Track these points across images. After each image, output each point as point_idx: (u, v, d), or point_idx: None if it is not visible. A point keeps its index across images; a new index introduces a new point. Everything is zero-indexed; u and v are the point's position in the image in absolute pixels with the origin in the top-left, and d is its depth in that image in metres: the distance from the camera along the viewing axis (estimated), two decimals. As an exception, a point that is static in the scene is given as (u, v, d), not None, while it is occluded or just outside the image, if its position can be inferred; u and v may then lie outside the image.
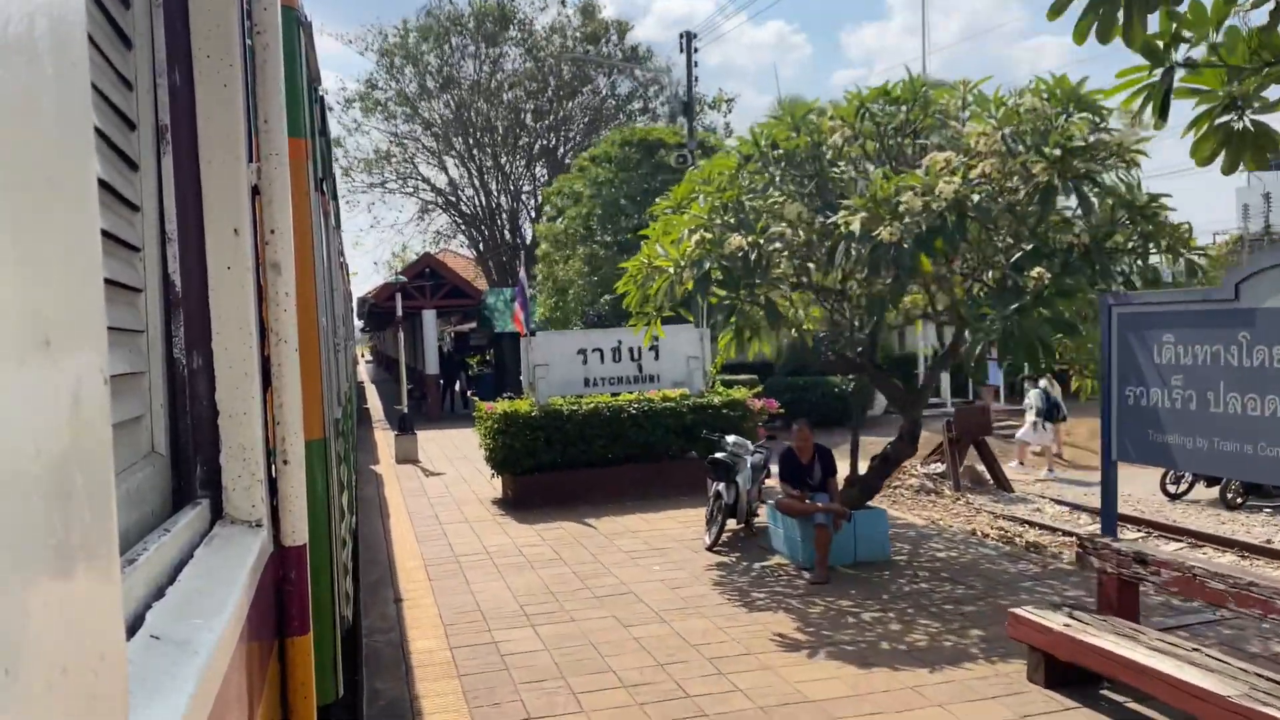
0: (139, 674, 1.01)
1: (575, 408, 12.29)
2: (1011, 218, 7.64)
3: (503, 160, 40.27)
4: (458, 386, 29.26)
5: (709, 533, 9.85)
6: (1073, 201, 7.40)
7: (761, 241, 7.68)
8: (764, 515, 10.37)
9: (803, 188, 8.40)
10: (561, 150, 40.08)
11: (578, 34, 39.74)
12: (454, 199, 42.22)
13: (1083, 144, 7.10)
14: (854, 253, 7.08)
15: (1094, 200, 7.27)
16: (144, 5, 1.72)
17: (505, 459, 12.22)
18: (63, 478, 0.62)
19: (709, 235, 7.79)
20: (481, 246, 42.47)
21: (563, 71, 38.72)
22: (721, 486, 9.90)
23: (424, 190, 42.45)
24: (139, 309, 1.64)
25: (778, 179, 8.52)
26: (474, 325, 31.76)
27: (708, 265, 7.63)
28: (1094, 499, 13.98)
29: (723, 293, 7.90)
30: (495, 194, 41.23)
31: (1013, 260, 7.43)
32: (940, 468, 15.68)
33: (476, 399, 30.02)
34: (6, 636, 0.53)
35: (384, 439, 21.20)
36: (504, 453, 12.17)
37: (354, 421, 13.84)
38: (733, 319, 8.58)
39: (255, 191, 1.98)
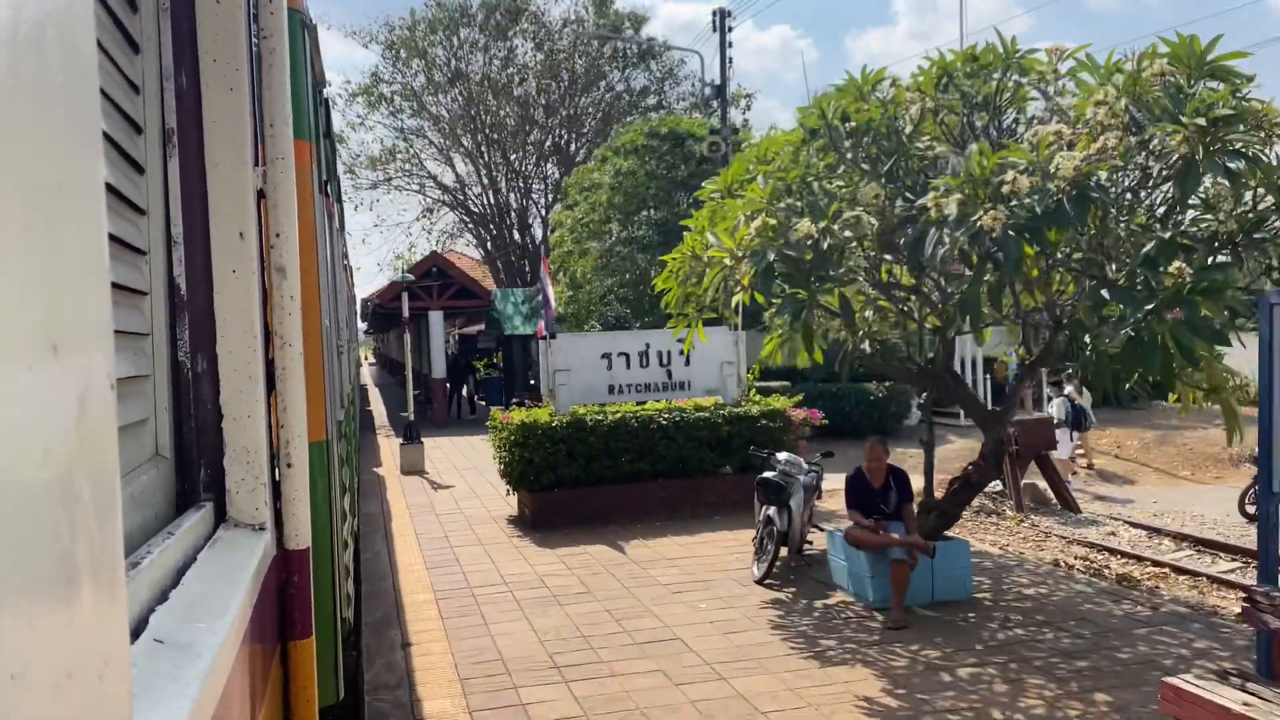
0: (142, 678, 1.01)
1: (600, 417, 11.24)
2: (1139, 201, 6.67)
3: (512, 157, 38.75)
4: (465, 391, 28.44)
5: (758, 564, 8.74)
6: (1208, 182, 6.33)
7: (836, 227, 6.57)
8: (819, 541, 9.46)
9: (877, 167, 7.22)
10: (573, 147, 38.67)
11: (592, 27, 38.11)
12: (461, 197, 40.68)
13: (1229, 113, 5.86)
14: (947, 241, 5.97)
15: (1245, 180, 6.15)
16: (151, 9, 1.72)
17: (523, 474, 11.15)
18: (68, 483, 0.62)
19: (772, 221, 6.66)
20: (489, 246, 41.01)
21: (575, 66, 37.29)
22: (773, 511, 8.73)
23: (430, 187, 40.97)
24: (144, 312, 1.64)
25: (848, 157, 7.32)
26: (481, 327, 30.72)
27: (770, 256, 6.52)
28: (1143, 515, 13.26)
29: (787, 289, 6.77)
30: (504, 192, 39.66)
31: (1143, 252, 6.20)
32: (997, 485, 14.66)
33: (484, 404, 27.55)
34: (13, 642, 0.53)
35: (388, 447, 20.17)
36: (522, 467, 11.10)
37: (356, 423, 13.84)
38: (780, 323, 7.32)
39: (261, 195, 1.98)
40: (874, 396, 19.73)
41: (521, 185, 39.78)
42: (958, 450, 17.92)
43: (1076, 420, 16.11)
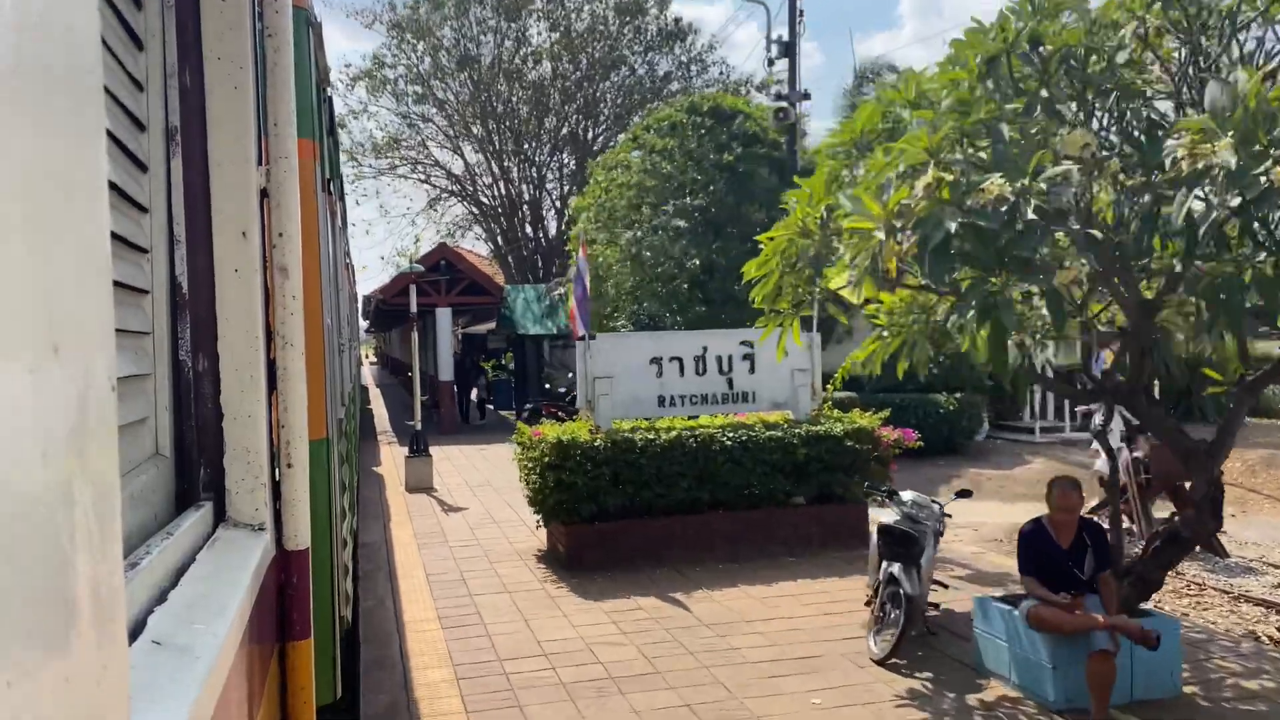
0: (140, 681, 1.01)
1: (651, 436, 9.44)
2: None
3: (525, 147, 35.96)
4: (474, 395, 26.41)
5: (877, 637, 6.74)
6: None
7: (1044, 186, 4.75)
8: (942, 598, 7.62)
9: (1084, 106, 5.49)
10: (590, 135, 35.93)
11: (613, 6, 35.01)
12: (470, 187, 37.76)
13: None
14: (1212, 203, 4.28)
15: None
16: (156, 6, 1.72)
17: (559, 503, 9.23)
18: (68, 484, 0.62)
19: (948, 177, 4.91)
20: (499, 240, 38.21)
21: (594, 49, 34.57)
22: (898, 569, 6.68)
23: (437, 176, 37.90)
24: (145, 311, 1.64)
25: (1053, 89, 5.42)
26: (491, 326, 28.80)
27: (951, 225, 4.74)
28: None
29: (968, 272, 5.07)
30: (516, 182, 36.90)
31: None
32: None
33: (492, 408, 26.25)
34: (10, 646, 0.52)
35: (391, 458, 18.22)
36: (557, 495, 9.18)
37: (356, 422, 13.84)
38: (954, 322, 5.35)
39: (264, 194, 1.98)
40: (943, 409, 17.15)
41: (535, 175, 37.16)
42: (1039, 473, 14.94)
43: (1132, 437, 13.48)
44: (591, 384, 9.72)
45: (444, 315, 23.46)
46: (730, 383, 10.25)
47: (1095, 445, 12.83)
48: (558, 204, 36.43)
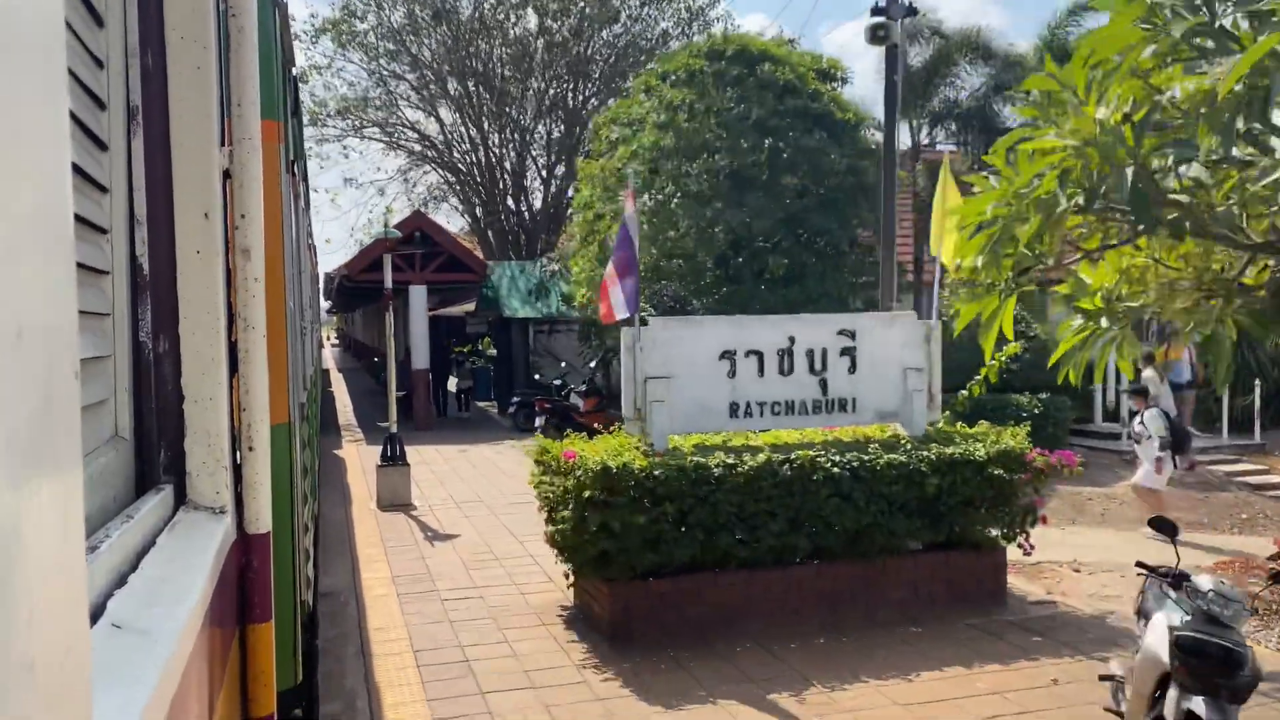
0: (101, 663, 1.00)
1: (732, 461, 7.01)
2: None
3: (508, 109, 32.15)
4: (452, 385, 23.61)
5: None
6: None
7: None
8: None
9: None
10: (580, 99, 32.20)
11: None
12: (446, 154, 33.62)
13: None
14: None
15: None
16: (117, -17, 1.69)
17: (603, 555, 6.80)
18: (29, 468, 0.62)
19: None
20: (479, 212, 34.09)
21: (583, 2, 30.63)
22: (1206, 708, 4.14)
23: (409, 140, 33.60)
24: (105, 292, 1.62)
25: None
26: (470, 307, 26.03)
27: None
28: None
29: None
30: (496, 148, 32.84)
31: None
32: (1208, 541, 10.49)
33: (466, 398, 23.26)
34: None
35: (358, 461, 15.67)
36: (603, 542, 6.71)
37: (318, 406, 13.72)
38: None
39: (226, 175, 1.96)
40: (1026, 411, 14.36)
41: (518, 140, 33.03)
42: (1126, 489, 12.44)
43: (1178, 440, 11.22)
44: (642, 387, 7.25)
45: (418, 294, 20.96)
46: (824, 385, 7.75)
47: (1140, 451, 11.29)
48: (544, 173, 33.19)
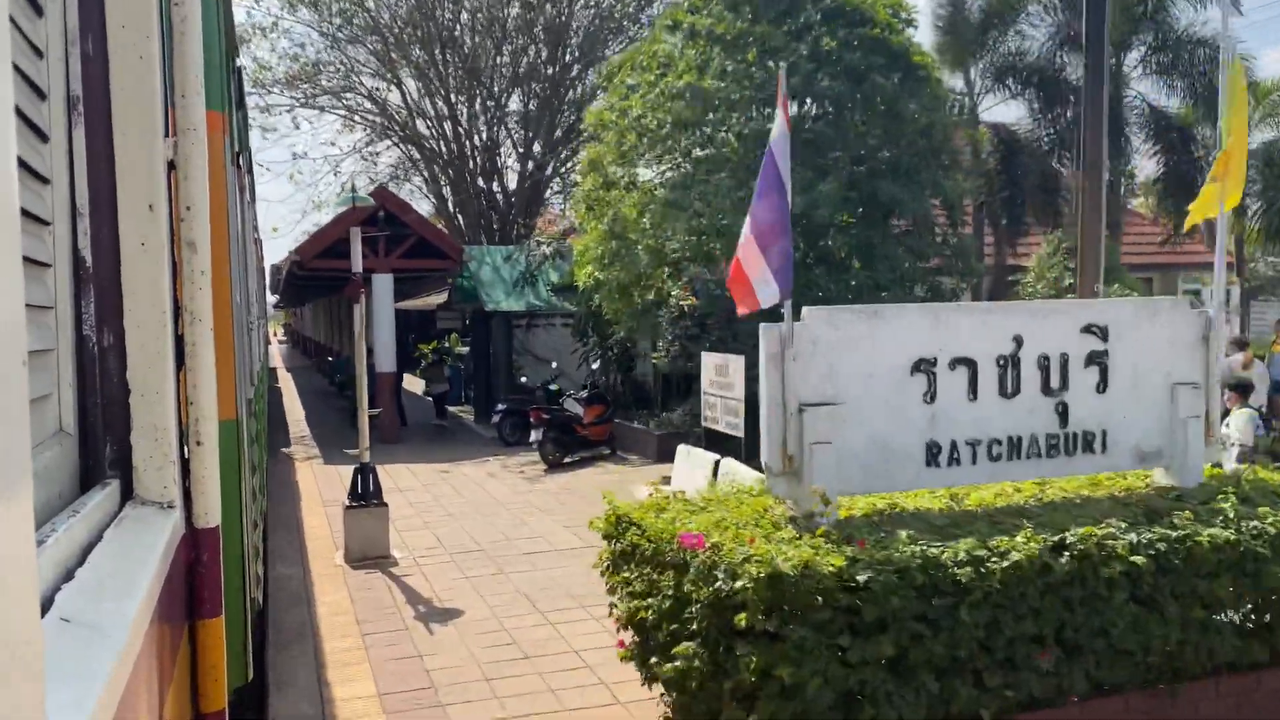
0: (50, 657, 1.00)
1: (982, 556, 4.18)
2: None
3: (477, 81, 28.02)
4: (426, 389, 20.87)
5: None
6: None
7: None
8: None
9: None
10: (557, 67, 27.91)
11: None
12: (409, 126, 29.02)
13: None
14: None
15: None
16: (56, -30, 1.67)
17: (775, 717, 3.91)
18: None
19: None
20: (447, 193, 29.69)
21: None
22: None
23: (367, 112, 29.16)
24: (48, 285, 1.60)
25: None
26: (442, 299, 23.13)
27: None
28: None
29: None
30: (466, 121, 28.58)
31: None
32: None
33: (430, 399, 19.90)
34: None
35: (314, 485, 12.87)
36: (768, 706, 3.91)
37: (265, 402, 13.51)
38: None
39: (171, 166, 1.94)
40: None
41: (489, 112, 28.78)
42: None
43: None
44: (795, 421, 4.66)
45: (383, 283, 17.65)
46: (1063, 412, 5.22)
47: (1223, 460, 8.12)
48: (519, 149, 28.70)
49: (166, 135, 1.91)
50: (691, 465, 9.66)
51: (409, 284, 24.02)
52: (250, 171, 9.27)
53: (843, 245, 13.34)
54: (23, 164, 1.44)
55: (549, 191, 30.27)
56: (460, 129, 28.59)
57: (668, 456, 12.67)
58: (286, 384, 31.58)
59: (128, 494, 1.81)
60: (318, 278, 20.54)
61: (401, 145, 30.02)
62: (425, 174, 30.61)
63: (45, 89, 1.61)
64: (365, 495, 9.08)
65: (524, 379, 19.17)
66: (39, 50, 1.59)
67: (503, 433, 16.55)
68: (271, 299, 41.24)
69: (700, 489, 5.79)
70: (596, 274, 14.22)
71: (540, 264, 18.86)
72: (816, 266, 13.26)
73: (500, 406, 16.89)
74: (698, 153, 13.68)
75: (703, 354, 10.96)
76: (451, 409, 21.42)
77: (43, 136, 1.59)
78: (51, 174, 1.62)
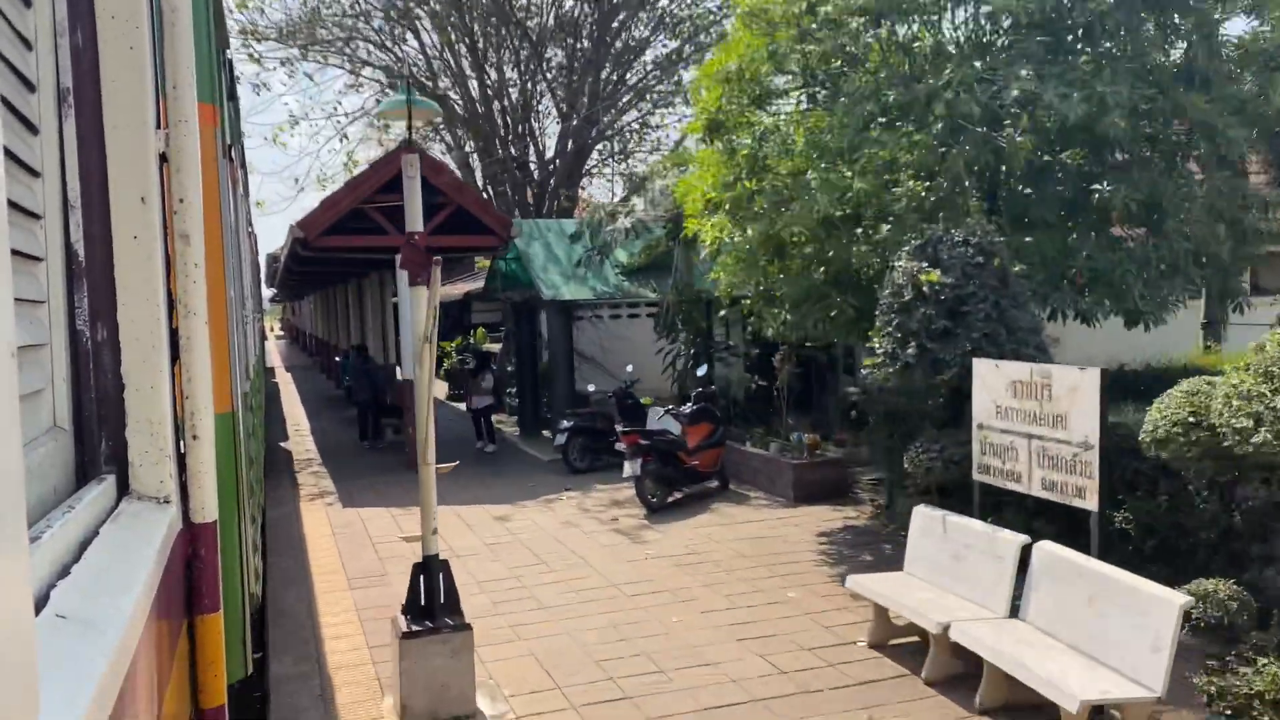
0: (45, 653, 0.99)
1: None
2: None
3: (507, 28, 23.20)
4: (473, 403, 15.43)
5: None
6: None
7: None
8: None
9: None
10: (594, 14, 22.83)
11: None
12: (430, 84, 23.37)
13: None
14: None
15: None
16: (44, -39, 1.65)
17: None
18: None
19: None
20: (474, 161, 24.77)
21: None
22: None
23: (377, 62, 23.65)
24: (40, 279, 1.58)
25: None
26: (477, 286, 19.27)
27: None
28: None
29: None
30: (495, 72, 23.33)
31: None
32: None
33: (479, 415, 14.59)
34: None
35: (333, 545, 9.44)
36: None
37: (262, 396, 13.48)
38: None
39: (163, 159, 1.92)
40: None
41: (523, 60, 23.57)
42: None
43: None
44: None
45: None
46: None
47: None
48: (561, 107, 23.46)
49: (158, 127, 1.89)
50: (950, 543, 6.46)
51: (457, 261, 20.30)
52: (244, 165, 9.24)
53: (1129, 197, 8.20)
54: (13, 157, 1.42)
55: (595, 158, 24.92)
56: (488, 86, 23.13)
57: (811, 495, 10.75)
58: (286, 387, 28.22)
59: (124, 489, 1.79)
60: (326, 260, 16.46)
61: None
62: (448, 141, 25.57)
63: (35, 81, 1.59)
64: (432, 612, 5.57)
65: (591, 386, 14.56)
66: (28, 42, 1.57)
67: (569, 457, 13.02)
68: (268, 293, 39.97)
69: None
70: (728, 229, 9.45)
71: (611, 242, 14.74)
72: (1023, 228, 8.77)
73: (565, 423, 13.17)
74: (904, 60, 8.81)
75: (975, 361, 7.03)
76: (497, 421, 17.35)
77: (33, 129, 1.57)
78: (42, 167, 1.61)
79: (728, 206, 9.49)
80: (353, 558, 9.06)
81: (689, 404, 11.95)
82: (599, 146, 25.33)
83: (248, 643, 3.56)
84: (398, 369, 16.62)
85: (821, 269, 9.01)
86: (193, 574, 1.98)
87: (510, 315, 18.70)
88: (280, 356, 44.76)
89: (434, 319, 5.24)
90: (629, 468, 10.66)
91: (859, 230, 8.60)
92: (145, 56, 1.80)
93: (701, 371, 13.11)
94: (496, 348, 20.42)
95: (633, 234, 14.76)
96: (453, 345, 20.61)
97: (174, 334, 1.97)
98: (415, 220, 5.54)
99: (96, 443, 1.74)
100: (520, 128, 24.62)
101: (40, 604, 1.14)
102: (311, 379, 31.21)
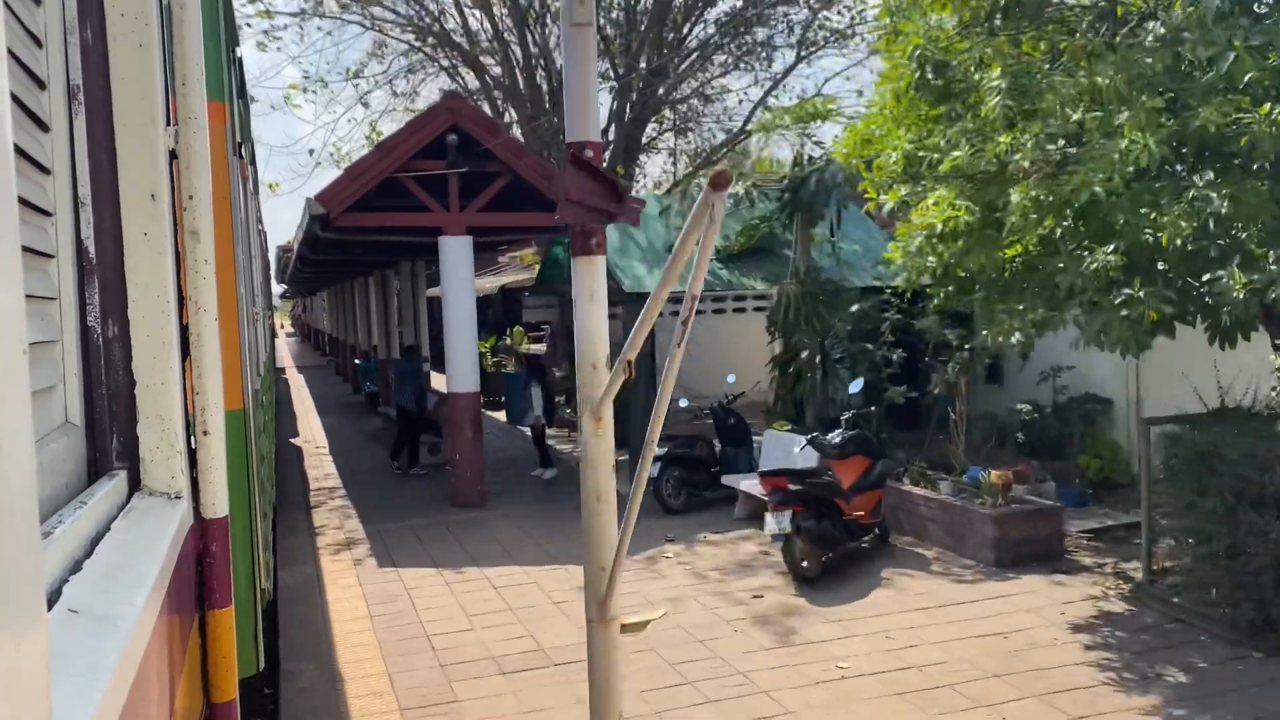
0: (57, 648, 0.99)
1: None
2: None
3: None
4: (532, 425, 12.72)
5: None
6: None
7: None
8: None
9: None
10: None
11: None
12: (461, 36, 19.07)
13: None
14: None
15: None
16: (53, -41, 1.65)
17: None
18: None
19: None
20: (515, 133, 17.66)
21: None
22: None
23: (402, 21, 18.73)
24: (51, 276, 1.59)
25: None
26: (526, 278, 17.32)
27: None
28: None
29: None
30: (538, 30, 18.62)
31: None
32: None
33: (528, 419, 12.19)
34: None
35: (365, 625, 7.08)
36: None
37: (273, 394, 13.50)
38: None
39: (172, 155, 1.93)
40: None
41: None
42: None
43: None
44: None
45: (457, 249, 10.84)
46: None
47: None
48: (617, 70, 18.12)
49: (167, 124, 1.90)
50: None
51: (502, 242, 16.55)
52: (253, 163, 9.26)
53: None
54: (24, 154, 1.43)
55: (651, 130, 19.73)
56: (532, 48, 18.62)
57: (1020, 558, 7.96)
58: (298, 390, 25.12)
59: (135, 485, 1.80)
60: (347, 246, 14.08)
61: (453, 73, 20.07)
62: (483, 100, 20.03)
63: (45, 79, 1.60)
64: None
65: (683, 401, 11.13)
66: (38, 40, 1.58)
67: (663, 494, 10.04)
68: (278, 289, 39.18)
69: None
70: (950, 203, 6.92)
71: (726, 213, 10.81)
72: None
73: (668, 452, 10.09)
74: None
75: None
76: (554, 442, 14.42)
77: (43, 127, 1.58)
78: (53, 164, 1.61)
79: (942, 169, 6.89)
80: (403, 664, 6.31)
81: (839, 430, 8.70)
82: (656, 119, 20.17)
83: (259, 638, 3.57)
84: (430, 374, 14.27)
85: (1110, 248, 5.96)
86: (204, 569, 1.99)
87: (564, 311, 16.13)
88: (291, 356, 42.16)
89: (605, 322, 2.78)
90: (772, 523, 7.66)
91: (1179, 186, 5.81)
92: (154, 54, 1.81)
93: (856, 388, 9.35)
94: (536, 349, 18.16)
95: (746, 203, 12.28)
96: (486, 346, 18.05)
97: (184, 330, 1.98)
98: (585, 123, 2.73)
99: (108, 439, 1.74)
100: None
101: (53, 599, 1.15)
102: (325, 381, 28.77)
